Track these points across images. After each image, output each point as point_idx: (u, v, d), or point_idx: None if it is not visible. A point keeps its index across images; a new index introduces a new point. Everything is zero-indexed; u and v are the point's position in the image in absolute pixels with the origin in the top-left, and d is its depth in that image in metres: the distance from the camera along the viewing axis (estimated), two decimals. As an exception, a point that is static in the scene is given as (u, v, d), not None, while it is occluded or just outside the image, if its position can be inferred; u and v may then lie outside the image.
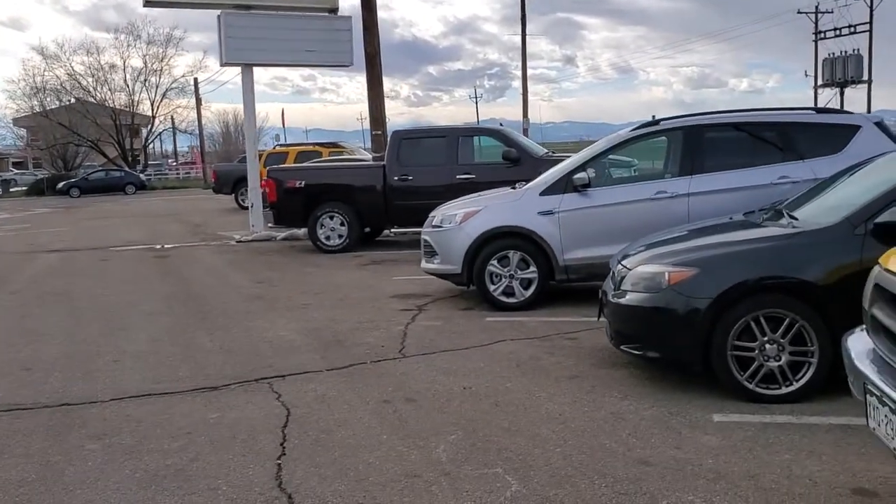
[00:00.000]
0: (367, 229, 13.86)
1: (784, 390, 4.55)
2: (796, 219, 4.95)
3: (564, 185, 7.46)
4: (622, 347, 5.12)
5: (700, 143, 7.31)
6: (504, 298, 7.56)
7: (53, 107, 54.82)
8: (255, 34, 15.37)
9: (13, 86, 71.13)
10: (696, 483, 3.56)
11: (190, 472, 3.92)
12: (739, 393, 4.60)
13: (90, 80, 56.32)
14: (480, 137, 13.12)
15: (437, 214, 8.11)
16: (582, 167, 7.48)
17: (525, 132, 42.25)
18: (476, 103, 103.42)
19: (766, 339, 4.54)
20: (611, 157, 8.51)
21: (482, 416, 4.57)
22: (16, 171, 68.54)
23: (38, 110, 54.84)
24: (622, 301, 5.05)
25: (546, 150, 13.31)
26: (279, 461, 4.01)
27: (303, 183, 12.98)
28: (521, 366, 5.63)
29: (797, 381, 4.54)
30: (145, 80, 57.44)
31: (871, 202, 4.54)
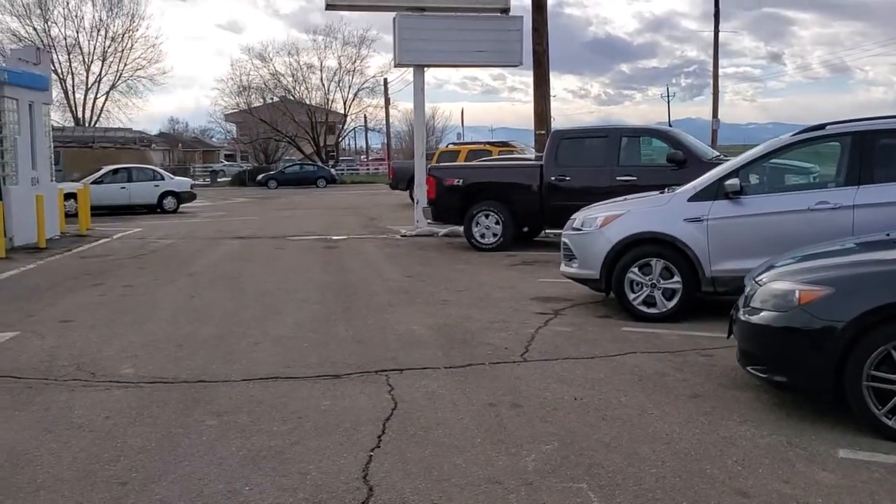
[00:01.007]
0: (525, 229, 13.85)
1: (930, 431, 4.03)
2: (960, 238, 4.37)
3: (715, 191, 7.04)
4: (748, 369, 4.76)
5: (871, 151, 6.63)
6: (644, 308, 7.26)
7: (258, 104, 59.34)
8: (428, 35, 15.76)
9: (223, 84, 77.99)
10: (794, 524, 3.25)
11: (288, 454, 4.11)
12: (875, 429, 4.14)
13: (290, 79, 60.42)
14: (645, 138, 12.68)
15: (579, 217, 7.94)
16: (735, 172, 7.04)
17: (714, 133, 40.48)
18: (668, 102, 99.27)
19: (910, 371, 4.05)
20: (788, 162, 7.93)
21: (584, 429, 4.43)
22: (226, 162, 74.91)
23: (243, 107, 59.63)
24: (750, 319, 4.69)
25: (717, 153, 12.61)
26: (372, 453, 4.11)
27: (461, 181, 13.19)
28: (643, 380, 5.39)
29: (946, 422, 4.01)
30: (339, 80, 60.77)
31: None
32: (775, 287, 4.59)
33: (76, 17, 52.33)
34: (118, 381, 5.58)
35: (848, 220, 6.49)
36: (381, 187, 42.98)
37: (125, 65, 53.22)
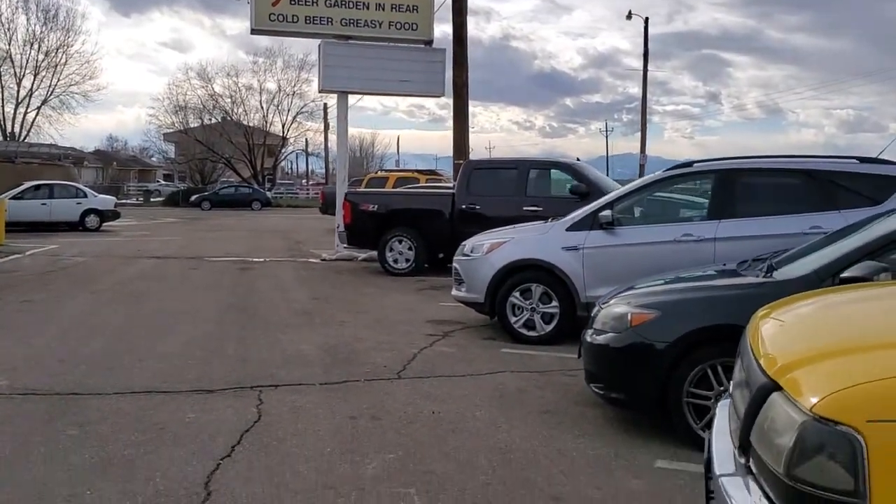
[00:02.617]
0: (441, 255, 14.16)
1: (739, 443, 4.41)
2: (776, 269, 4.80)
3: (591, 221, 7.45)
4: (591, 386, 5.11)
5: (732, 188, 7.14)
6: (525, 331, 7.61)
7: (195, 125, 58.75)
8: (352, 63, 16.09)
9: (158, 103, 76.87)
10: (590, 523, 3.55)
11: (139, 462, 4.26)
12: (694, 441, 4.49)
13: (228, 100, 59.98)
14: (552, 170, 13.17)
15: (468, 243, 8.27)
16: (609, 205, 7.46)
17: (641, 168, 41.85)
18: (606, 137, 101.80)
19: (722, 388, 4.43)
20: (668, 195, 8.41)
21: (432, 440, 4.69)
22: (163, 182, 73.80)
23: (179, 127, 58.95)
24: (594, 340, 5.04)
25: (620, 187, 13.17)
26: (221, 461, 4.29)
27: (376, 207, 13.46)
28: (504, 397, 5.69)
29: (753, 435, 4.39)
30: (279, 104, 60.54)
31: (844, 255, 4.37)
32: (613, 310, 4.96)
33: (9, 29, 50.86)
34: (-11, 392, 5.63)
35: (710, 251, 6.94)
36: (315, 211, 43.01)
37: (58, 80, 52.14)
